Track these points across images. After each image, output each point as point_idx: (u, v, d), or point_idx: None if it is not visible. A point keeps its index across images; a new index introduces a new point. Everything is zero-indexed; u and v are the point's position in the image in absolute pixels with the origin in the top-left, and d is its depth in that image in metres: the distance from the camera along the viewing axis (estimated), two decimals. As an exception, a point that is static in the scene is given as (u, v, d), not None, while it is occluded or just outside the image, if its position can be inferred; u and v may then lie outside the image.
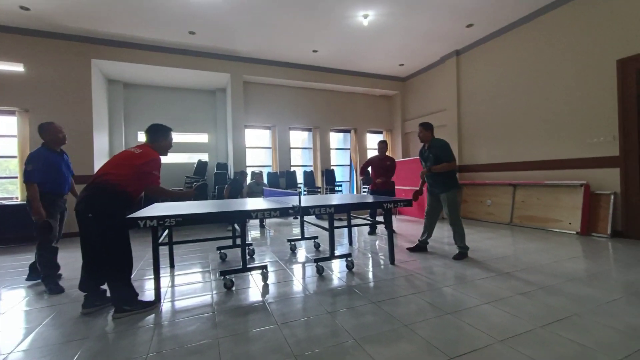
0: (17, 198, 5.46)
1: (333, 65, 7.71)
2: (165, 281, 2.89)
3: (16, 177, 5.48)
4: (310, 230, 5.20)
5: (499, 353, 1.60)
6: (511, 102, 5.93)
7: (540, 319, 1.95)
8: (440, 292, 2.45)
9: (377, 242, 4.40)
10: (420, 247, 3.76)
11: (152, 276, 2.45)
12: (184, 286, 2.78)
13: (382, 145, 5.09)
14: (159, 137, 2.50)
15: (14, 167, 5.59)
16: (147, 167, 2.27)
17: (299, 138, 8.64)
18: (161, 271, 2.50)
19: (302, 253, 3.87)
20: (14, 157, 5.47)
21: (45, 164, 2.76)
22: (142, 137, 7.29)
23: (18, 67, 5.29)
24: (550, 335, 1.76)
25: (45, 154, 2.82)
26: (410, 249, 3.79)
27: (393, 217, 5.34)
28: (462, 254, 3.40)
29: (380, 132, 9.40)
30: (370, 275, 2.95)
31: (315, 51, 6.82)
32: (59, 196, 2.89)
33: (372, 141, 9.38)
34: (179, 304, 2.38)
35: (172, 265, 3.36)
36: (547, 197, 5.05)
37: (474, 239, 4.37)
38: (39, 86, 5.40)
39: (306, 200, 3.31)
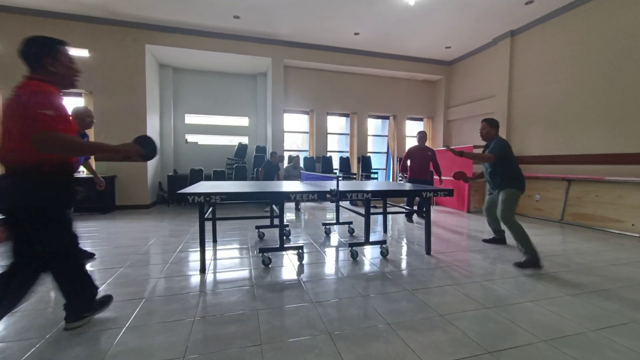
0: (83, 172, 6.10)
1: (374, 48, 7.47)
2: (209, 254, 3.10)
3: (82, 153, 6.10)
4: (344, 216, 5.23)
5: (542, 352, 1.53)
6: (569, 88, 5.37)
7: (591, 323, 1.82)
8: (479, 286, 2.36)
9: (412, 231, 4.32)
10: (498, 240, 3.60)
11: (198, 249, 2.63)
12: (225, 260, 2.97)
13: (423, 135, 5.08)
14: (43, 57, 1.55)
15: (80, 144, 6.21)
16: (28, 110, 1.38)
17: (336, 123, 8.59)
18: (205, 245, 2.68)
19: (336, 237, 3.92)
20: (80, 135, 6.08)
21: None
22: (189, 119, 7.73)
23: (83, 53, 5.80)
24: (603, 340, 1.64)
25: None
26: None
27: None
28: (528, 262, 2.75)
29: (421, 119, 9.03)
30: (405, 263, 2.92)
31: (356, 34, 6.64)
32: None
33: (412, 128, 9.06)
34: (221, 276, 2.55)
35: (214, 240, 3.59)
36: (607, 194, 4.57)
37: (519, 235, 4.11)
38: (100, 70, 5.89)
39: (343, 186, 3.32)
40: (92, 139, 5.95)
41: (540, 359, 1.47)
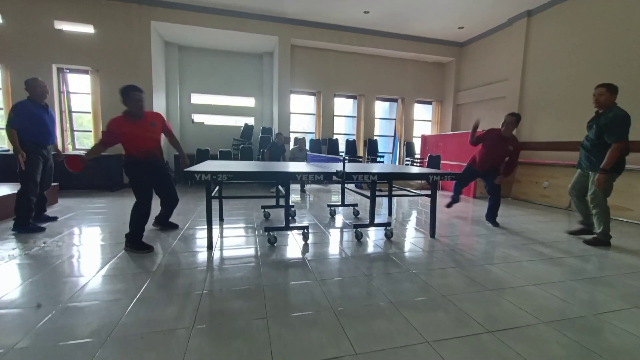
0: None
1: (384, 28, 7.24)
2: (215, 232, 3.15)
3: (90, 131, 6.14)
4: (349, 198, 5.25)
5: (542, 333, 1.55)
6: (583, 73, 5.19)
7: (593, 307, 1.83)
8: (482, 269, 2.38)
9: (417, 215, 4.33)
10: (586, 231, 3.27)
11: (205, 227, 2.68)
12: (232, 238, 3.02)
13: (510, 120, 3.53)
14: (124, 99, 2.73)
15: (88, 122, 6.23)
16: None
17: (343, 105, 8.48)
18: (212, 223, 2.72)
19: (341, 219, 3.95)
20: (88, 112, 6.09)
21: (27, 115, 3.03)
22: (195, 99, 7.68)
23: (89, 29, 5.72)
24: (604, 324, 1.65)
25: (29, 106, 3.08)
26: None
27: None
28: (598, 240, 2.98)
29: (430, 103, 8.86)
30: (409, 245, 2.94)
31: (366, 12, 6.43)
32: (41, 146, 3.16)
33: (420, 112, 8.92)
34: (228, 253, 2.60)
35: (221, 219, 3.65)
36: (617, 182, 4.47)
37: (523, 221, 4.10)
38: (106, 47, 5.83)
39: (349, 168, 3.31)
40: (99, 117, 5.97)
41: (540, 340, 1.50)
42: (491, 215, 3.79)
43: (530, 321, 1.66)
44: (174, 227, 3.33)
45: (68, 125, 6.12)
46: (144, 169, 2.71)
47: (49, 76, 5.64)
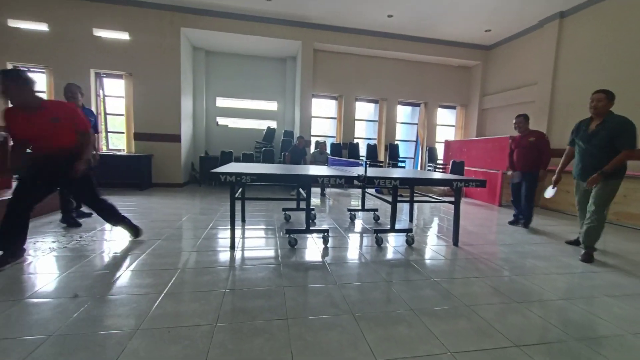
0: (123, 150, 6.49)
1: (408, 31, 7.18)
2: (237, 232, 3.23)
3: (123, 132, 6.46)
4: (369, 203, 5.21)
5: (574, 351, 1.47)
6: (621, 76, 4.89)
7: (631, 325, 1.72)
8: (508, 280, 2.30)
9: (440, 222, 4.24)
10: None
11: (227, 227, 2.75)
12: (253, 239, 3.09)
13: (519, 120, 4.02)
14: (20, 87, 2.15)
15: (121, 124, 6.56)
16: None
17: (364, 109, 8.45)
18: (235, 224, 2.79)
19: (360, 223, 3.93)
20: (121, 115, 6.43)
21: None
22: (220, 102, 7.91)
23: (124, 36, 6.05)
24: (642, 343, 1.56)
25: None
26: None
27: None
28: (589, 255, 2.84)
29: (454, 108, 8.66)
30: (431, 252, 2.89)
31: (390, 16, 6.40)
32: None
33: (443, 117, 8.73)
34: (249, 254, 2.66)
35: (243, 220, 3.73)
36: (660, 193, 4.20)
37: (554, 231, 3.92)
38: (139, 53, 6.15)
39: (370, 172, 3.30)
40: (131, 119, 6.28)
41: (572, 357, 1.43)
42: (525, 218, 4.01)
43: (559, 336, 1.58)
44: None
45: (103, 127, 6.48)
46: (40, 174, 2.26)
47: (87, 80, 6.01)
